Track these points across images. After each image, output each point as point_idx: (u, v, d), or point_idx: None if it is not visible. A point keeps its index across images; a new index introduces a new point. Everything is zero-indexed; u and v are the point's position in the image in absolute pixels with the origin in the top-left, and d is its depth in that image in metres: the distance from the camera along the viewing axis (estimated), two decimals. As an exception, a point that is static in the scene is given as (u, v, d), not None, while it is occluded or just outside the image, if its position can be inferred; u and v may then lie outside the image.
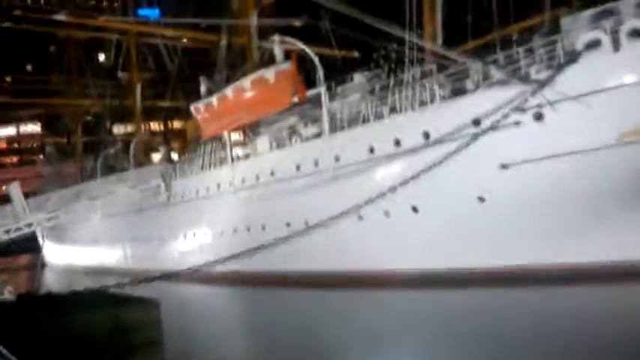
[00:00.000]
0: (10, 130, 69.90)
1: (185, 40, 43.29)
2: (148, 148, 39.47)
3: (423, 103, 16.39)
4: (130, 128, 47.51)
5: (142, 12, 47.19)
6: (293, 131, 21.64)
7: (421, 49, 16.77)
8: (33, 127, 65.51)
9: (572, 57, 13.64)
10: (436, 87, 15.97)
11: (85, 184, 29.97)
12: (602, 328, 10.61)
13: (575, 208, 14.63)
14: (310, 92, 19.06)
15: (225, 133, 23.49)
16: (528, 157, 14.48)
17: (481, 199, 15.64)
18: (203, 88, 23.51)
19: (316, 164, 19.56)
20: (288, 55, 19.04)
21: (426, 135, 16.11)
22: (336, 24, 27.58)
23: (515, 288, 15.16)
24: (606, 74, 13.50)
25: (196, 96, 27.04)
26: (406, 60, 16.93)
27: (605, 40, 13.34)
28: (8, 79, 61.36)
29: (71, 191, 27.90)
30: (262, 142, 22.18)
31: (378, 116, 17.69)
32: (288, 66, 18.27)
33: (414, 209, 16.80)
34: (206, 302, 18.62)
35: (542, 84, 13.85)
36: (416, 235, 16.90)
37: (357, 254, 18.27)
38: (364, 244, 17.99)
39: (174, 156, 34.12)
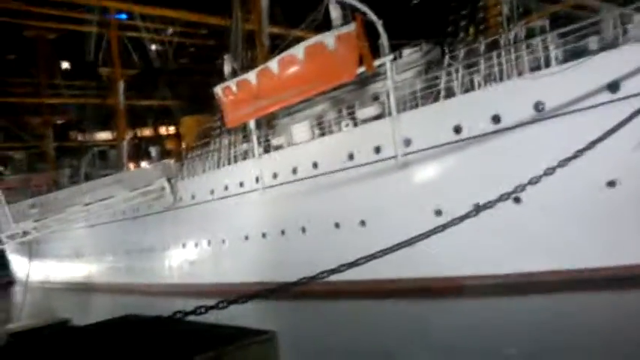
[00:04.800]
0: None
1: (174, 35, 39.75)
2: (135, 153, 35.68)
3: (532, 69, 13.45)
4: (110, 133, 43.43)
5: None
6: (323, 120, 18.52)
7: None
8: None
9: None
10: (551, 47, 13.04)
11: (72, 189, 25.82)
12: None
13: None
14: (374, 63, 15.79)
15: (252, 122, 20.00)
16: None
17: (611, 184, 12.77)
18: (227, 68, 19.93)
19: (377, 151, 16.34)
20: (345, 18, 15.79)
21: (538, 106, 13.16)
22: None
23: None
24: None
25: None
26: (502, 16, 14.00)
27: None
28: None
29: (57, 196, 23.76)
30: (300, 129, 18.79)
31: (465, 88, 14.65)
32: (351, 29, 15.02)
33: (516, 200, 13.75)
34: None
35: None
36: (517, 231, 13.88)
37: (434, 258, 15.07)
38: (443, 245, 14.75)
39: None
